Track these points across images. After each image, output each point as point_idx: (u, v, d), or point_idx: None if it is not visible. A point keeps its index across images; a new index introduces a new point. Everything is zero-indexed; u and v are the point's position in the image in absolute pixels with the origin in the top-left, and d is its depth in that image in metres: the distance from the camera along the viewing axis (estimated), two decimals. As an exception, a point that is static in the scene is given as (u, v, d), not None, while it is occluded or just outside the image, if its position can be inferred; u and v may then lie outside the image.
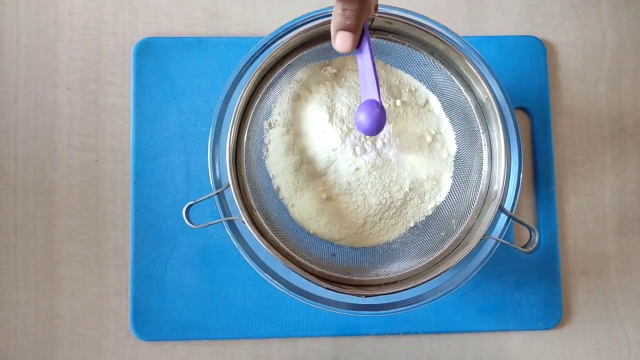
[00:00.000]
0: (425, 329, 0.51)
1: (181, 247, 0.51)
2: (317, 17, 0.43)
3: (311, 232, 0.46)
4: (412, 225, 0.46)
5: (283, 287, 0.43)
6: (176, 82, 0.52)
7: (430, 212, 0.46)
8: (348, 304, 0.43)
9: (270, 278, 0.43)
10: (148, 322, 0.50)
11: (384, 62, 0.47)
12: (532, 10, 0.55)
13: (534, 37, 0.55)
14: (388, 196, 0.45)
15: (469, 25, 0.55)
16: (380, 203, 0.45)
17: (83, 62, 0.53)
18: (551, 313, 0.52)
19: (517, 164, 0.44)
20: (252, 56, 0.43)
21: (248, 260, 0.43)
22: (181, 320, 0.50)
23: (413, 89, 0.47)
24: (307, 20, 0.43)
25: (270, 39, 0.43)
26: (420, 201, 0.46)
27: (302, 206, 0.45)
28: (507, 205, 0.44)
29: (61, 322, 0.51)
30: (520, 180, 0.45)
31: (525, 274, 0.52)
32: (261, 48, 0.43)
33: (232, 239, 0.43)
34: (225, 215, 0.43)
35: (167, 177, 0.51)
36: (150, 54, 0.52)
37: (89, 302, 0.51)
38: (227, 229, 0.43)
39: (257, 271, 0.43)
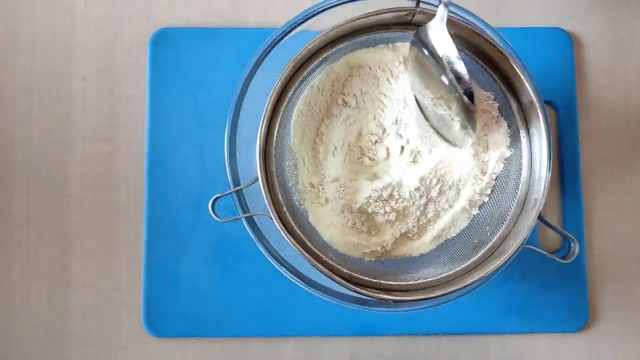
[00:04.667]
0: (446, 329, 0.50)
1: (195, 242, 0.50)
2: (342, 2, 0.41)
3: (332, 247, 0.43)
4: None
5: (305, 284, 0.41)
6: (192, 73, 0.51)
7: (464, 226, 0.44)
8: (369, 301, 0.41)
9: (294, 276, 0.41)
10: (161, 318, 0.49)
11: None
12: (558, 0, 0.54)
13: (560, 28, 0.53)
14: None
15: (492, 16, 0.53)
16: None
17: (98, 53, 0.52)
18: (577, 315, 0.50)
19: (547, 164, 0.42)
20: (272, 42, 0.41)
21: (268, 258, 0.41)
22: (194, 316, 0.49)
23: None
24: (328, 6, 0.41)
25: (291, 25, 0.41)
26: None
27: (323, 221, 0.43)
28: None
29: (73, 316, 0.50)
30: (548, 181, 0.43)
31: (550, 274, 0.50)
32: (281, 34, 0.41)
33: (250, 234, 0.41)
34: (244, 209, 0.41)
35: (182, 170, 0.50)
36: (167, 44, 0.51)
37: (101, 296, 0.50)
38: (245, 223, 0.42)
39: (279, 269, 0.41)
